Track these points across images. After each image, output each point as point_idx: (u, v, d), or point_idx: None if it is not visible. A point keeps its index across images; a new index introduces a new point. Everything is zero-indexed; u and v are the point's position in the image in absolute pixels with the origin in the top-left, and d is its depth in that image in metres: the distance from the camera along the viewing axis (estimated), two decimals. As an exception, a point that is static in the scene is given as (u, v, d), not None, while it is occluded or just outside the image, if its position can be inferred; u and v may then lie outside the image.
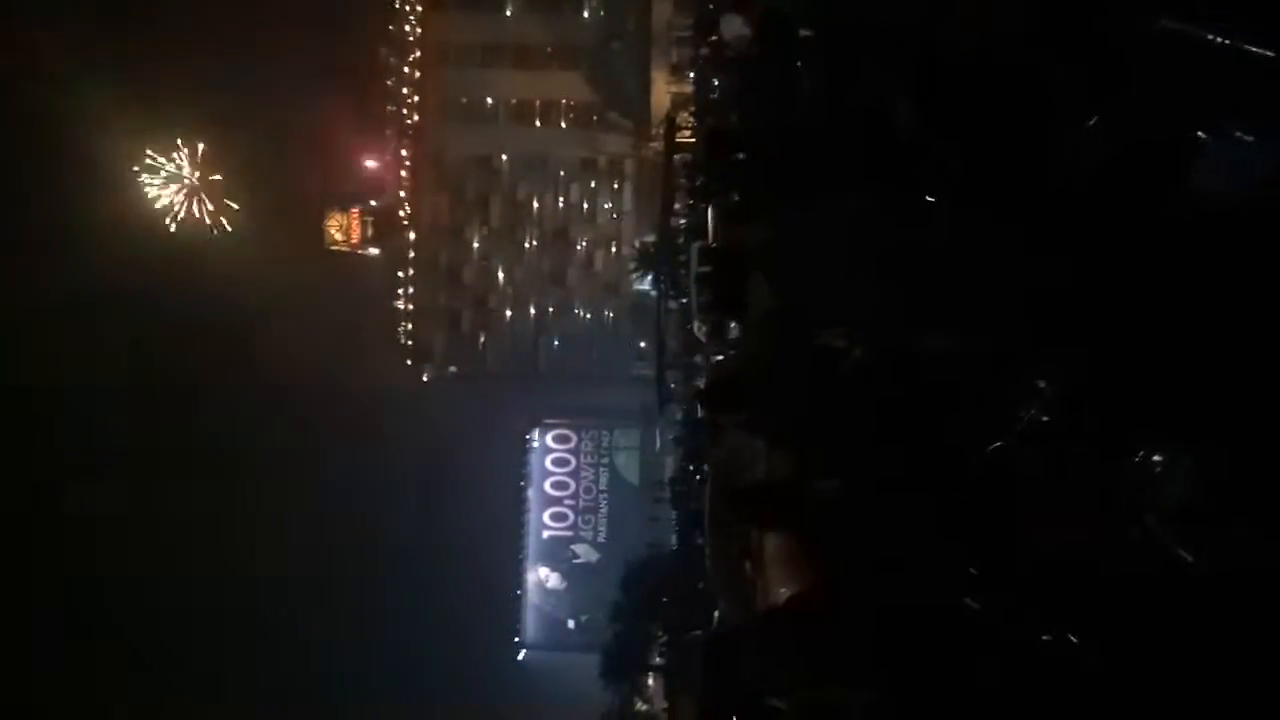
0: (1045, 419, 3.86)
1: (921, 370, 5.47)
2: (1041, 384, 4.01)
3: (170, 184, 59.90)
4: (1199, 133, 3.58)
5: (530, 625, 63.64)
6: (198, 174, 60.12)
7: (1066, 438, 3.82)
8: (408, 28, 59.00)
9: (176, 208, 60.07)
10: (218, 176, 60.28)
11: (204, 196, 60.20)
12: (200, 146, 59.89)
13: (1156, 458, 3.59)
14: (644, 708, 47.01)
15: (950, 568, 4.68)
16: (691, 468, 36.99)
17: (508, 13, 59.31)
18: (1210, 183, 3.63)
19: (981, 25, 5.52)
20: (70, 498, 64.16)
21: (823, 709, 4.37)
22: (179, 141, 59.70)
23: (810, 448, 6.04)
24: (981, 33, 5.44)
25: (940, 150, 5.60)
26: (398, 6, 58.81)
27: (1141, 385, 3.65)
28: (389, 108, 59.95)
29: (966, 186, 5.52)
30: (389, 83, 59.81)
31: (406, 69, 59.14)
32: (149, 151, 59.25)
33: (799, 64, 8.69)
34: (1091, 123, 4.10)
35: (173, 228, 60.17)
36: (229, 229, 60.68)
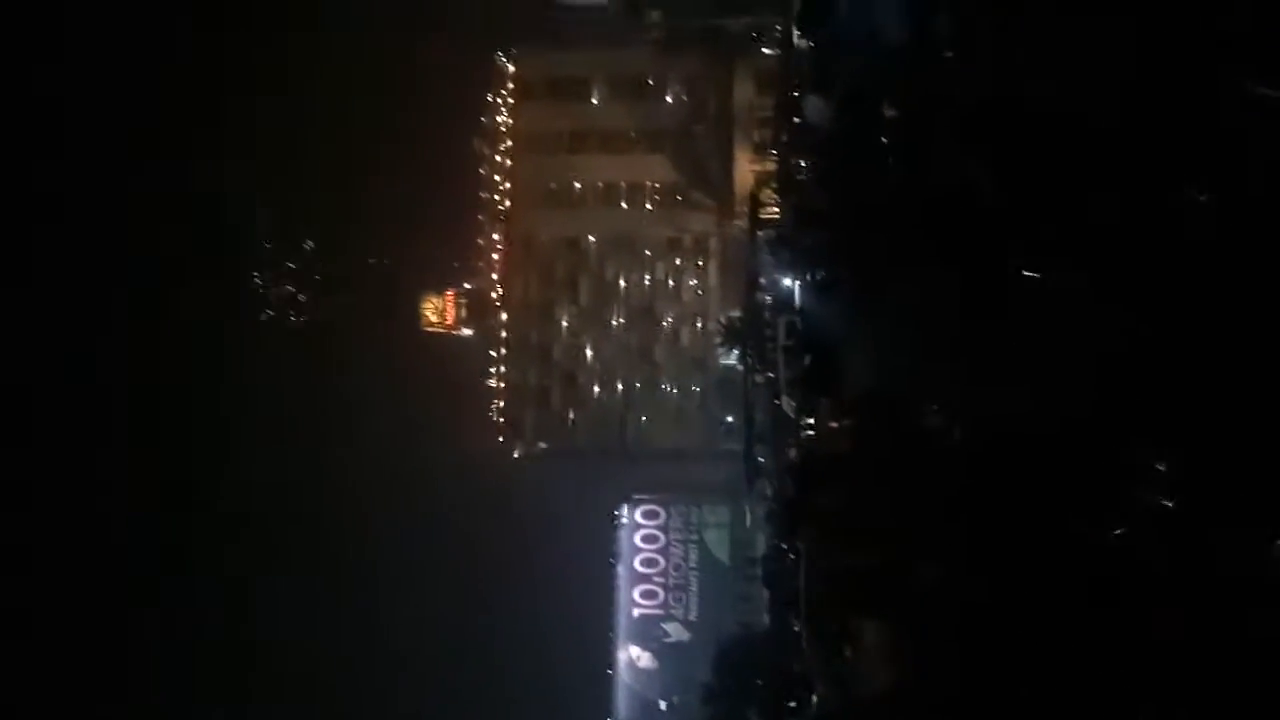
0: (1167, 503, 3.67)
1: (1024, 450, 5.29)
2: (1161, 466, 3.83)
3: (282, 277, 63.07)
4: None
5: (623, 706, 62.34)
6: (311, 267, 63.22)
7: (1195, 522, 3.61)
8: (499, 118, 61.67)
9: (285, 299, 63.12)
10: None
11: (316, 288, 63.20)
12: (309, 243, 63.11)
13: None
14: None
15: (1065, 661, 4.41)
16: (784, 546, 36.18)
17: (594, 100, 61.42)
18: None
19: (1072, 96, 5.48)
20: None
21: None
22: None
23: (911, 531, 5.85)
24: (1073, 105, 5.39)
25: (1030, 221, 5.52)
26: (490, 100, 61.63)
27: (1270, 464, 3.46)
28: (482, 194, 62.36)
29: (1062, 257, 5.41)
30: (482, 170, 62.33)
31: (498, 157, 61.61)
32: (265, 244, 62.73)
33: (883, 141, 8.74)
34: (1203, 197, 3.98)
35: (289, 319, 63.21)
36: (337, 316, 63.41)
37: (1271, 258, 3.85)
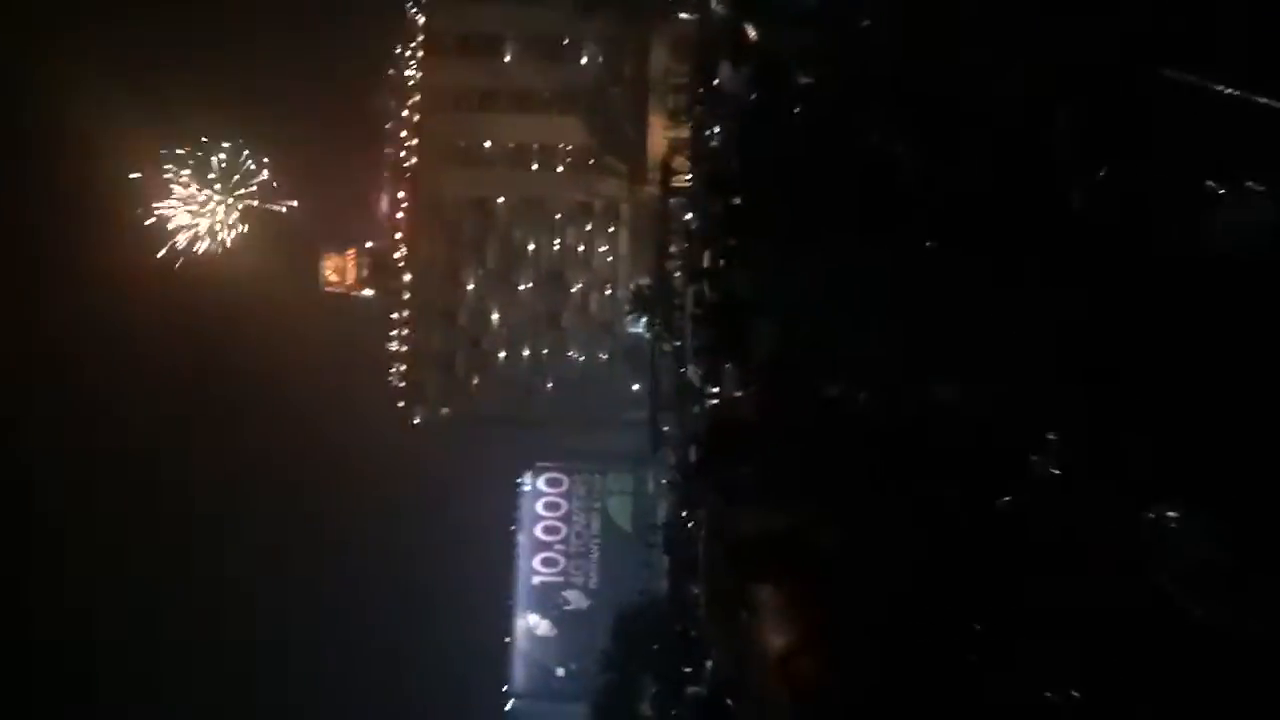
0: (1055, 471, 3.76)
1: (925, 419, 5.37)
2: (1051, 435, 3.92)
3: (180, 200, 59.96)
4: (1210, 183, 3.52)
5: (520, 673, 62.49)
6: (208, 192, 60.15)
7: (1077, 492, 3.72)
8: (408, 72, 59.67)
9: (181, 226, 60.08)
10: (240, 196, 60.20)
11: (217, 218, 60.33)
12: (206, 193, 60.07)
13: (1171, 514, 3.49)
14: (634, 759, 45.91)
15: (953, 624, 4.52)
16: (685, 514, 36.60)
17: (506, 59, 60.05)
18: (1223, 234, 3.57)
19: (986, 72, 5.52)
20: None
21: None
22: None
23: (810, 497, 5.91)
24: (986, 80, 5.43)
25: (943, 195, 5.56)
26: (398, 51, 59.52)
27: (1154, 440, 3.56)
28: (387, 150, 60.37)
29: (970, 232, 5.47)
30: (387, 126, 60.29)
31: (405, 113, 59.68)
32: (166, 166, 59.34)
33: (796, 110, 8.71)
34: (1102, 173, 4.06)
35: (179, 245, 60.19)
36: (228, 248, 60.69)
37: (1173, 239, 3.96)
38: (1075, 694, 3.70)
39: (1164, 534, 3.70)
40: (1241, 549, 3.55)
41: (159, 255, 60.15)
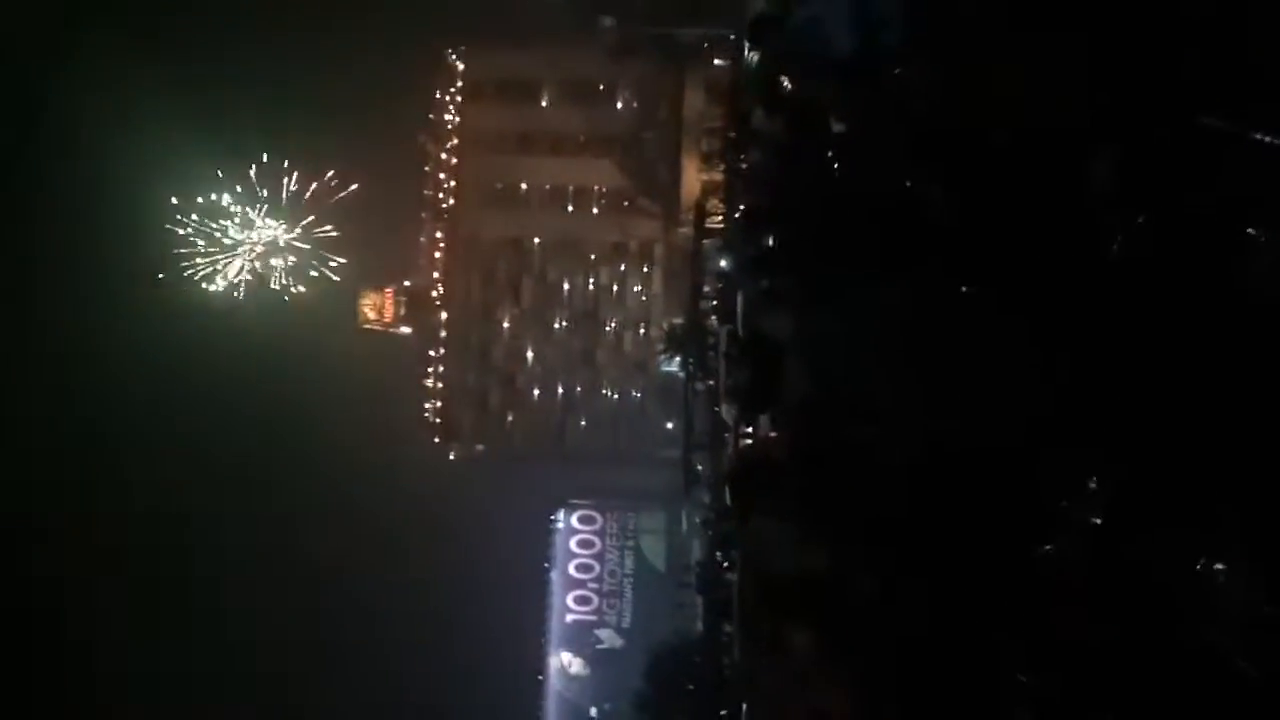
0: (1097, 521, 3.71)
1: (962, 464, 5.32)
2: (1092, 483, 3.87)
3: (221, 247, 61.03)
4: (1250, 230, 3.52)
5: (552, 713, 61.89)
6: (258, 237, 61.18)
7: (1120, 542, 3.66)
8: (447, 116, 60.96)
9: (231, 271, 61.17)
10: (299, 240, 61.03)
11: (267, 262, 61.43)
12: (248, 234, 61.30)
13: (1219, 566, 3.45)
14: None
15: (997, 674, 4.44)
16: (719, 554, 36.32)
17: (543, 103, 61.14)
18: (1262, 280, 3.56)
19: (1020, 117, 5.55)
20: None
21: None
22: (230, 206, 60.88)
23: (846, 542, 5.86)
24: (1020, 123, 5.46)
25: (976, 240, 5.57)
26: (439, 97, 60.88)
27: (1201, 490, 3.51)
28: (426, 191, 61.53)
29: (1005, 276, 5.47)
30: (427, 168, 61.50)
31: (445, 154, 60.88)
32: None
33: (830, 155, 8.80)
34: (1140, 219, 4.05)
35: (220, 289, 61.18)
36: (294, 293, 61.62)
37: (1209, 282, 3.93)
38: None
39: (1213, 586, 3.66)
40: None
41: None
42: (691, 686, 39.80)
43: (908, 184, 5.52)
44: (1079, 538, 3.83)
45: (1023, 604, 4.19)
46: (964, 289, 4.90)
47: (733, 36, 45.91)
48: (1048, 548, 3.92)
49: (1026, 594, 4.19)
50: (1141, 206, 4.10)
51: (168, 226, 60.16)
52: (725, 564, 33.66)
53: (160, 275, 60.52)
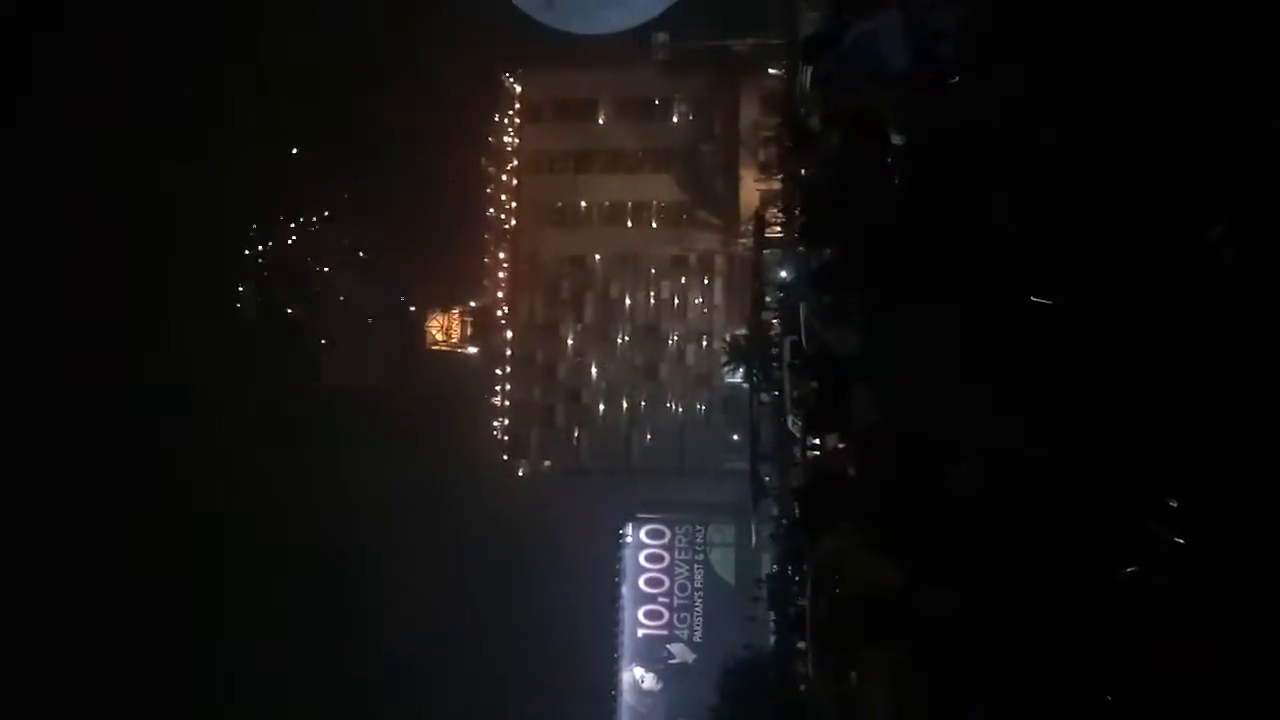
0: (1180, 541, 3.62)
1: (1035, 482, 5.21)
2: (1174, 503, 3.77)
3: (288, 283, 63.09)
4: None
5: (626, 728, 61.87)
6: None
7: (1206, 563, 3.56)
8: (506, 138, 62.05)
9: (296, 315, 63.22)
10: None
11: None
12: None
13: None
14: (744, 820, 44.55)
15: (1079, 698, 4.35)
16: (790, 568, 35.95)
17: (600, 121, 61.78)
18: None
19: (1089, 129, 5.43)
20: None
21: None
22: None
23: (921, 560, 5.78)
24: (1089, 135, 5.34)
25: (1048, 253, 5.44)
26: (497, 120, 62.02)
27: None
28: (489, 213, 62.64)
29: (1079, 290, 5.33)
30: (489, 190, 62.63)
31: (505, 176, 61.93)
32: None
33: (889, 165, 8.71)
34: (1218, 229, 3.93)
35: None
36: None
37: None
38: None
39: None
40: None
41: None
42: (764, 704, 39.39)
43: (971, 197, 5.45)
44: (1165, 559, 3.73)
45: (1108, 624, 4.09)
46: (1031, 299, 4.83)
47: (785, 43, 45.82)
48: (1131, 569, 3.82)
49: (1112, 615, 4.09)
50: (1216, 216, 4.01)
51: (246, 253, 62.44)
52: (796, 578, 33.32)
53: (240, 289, 62.80)
